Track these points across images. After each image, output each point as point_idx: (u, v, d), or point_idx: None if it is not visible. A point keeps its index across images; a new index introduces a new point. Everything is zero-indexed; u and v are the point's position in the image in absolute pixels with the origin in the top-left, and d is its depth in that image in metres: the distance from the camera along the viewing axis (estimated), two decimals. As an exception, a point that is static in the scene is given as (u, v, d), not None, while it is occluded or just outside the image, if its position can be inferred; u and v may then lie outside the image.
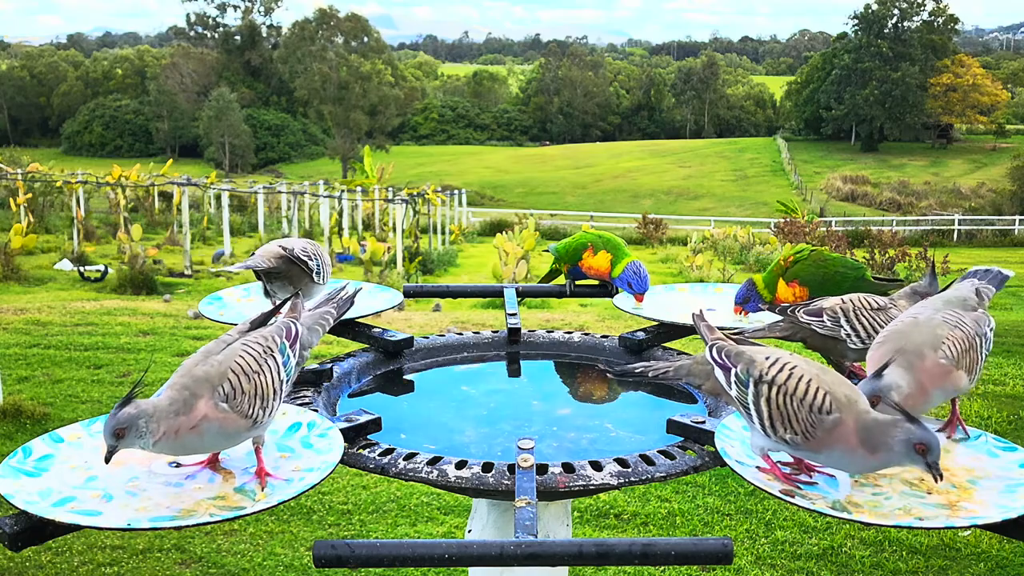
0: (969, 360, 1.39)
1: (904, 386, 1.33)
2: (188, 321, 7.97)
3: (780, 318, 1.75)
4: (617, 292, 2.29)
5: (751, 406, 1.28)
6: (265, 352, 1.35)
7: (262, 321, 1.43)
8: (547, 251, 2.46)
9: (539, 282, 2.73)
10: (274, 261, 1.85)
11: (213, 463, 1.35)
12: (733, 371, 1.32)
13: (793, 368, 1.26)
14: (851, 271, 1.95)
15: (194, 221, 18.17)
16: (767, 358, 1.30)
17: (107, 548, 3.71)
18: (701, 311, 1.50)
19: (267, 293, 1.92)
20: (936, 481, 1.18)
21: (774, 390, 1.25)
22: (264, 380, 1.32)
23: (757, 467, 1.31)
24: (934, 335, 1.38)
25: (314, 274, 1.88)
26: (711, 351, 1.38)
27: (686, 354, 1.99)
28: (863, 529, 3.83)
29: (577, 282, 2.37)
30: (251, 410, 1.30)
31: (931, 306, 1.49)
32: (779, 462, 1.33)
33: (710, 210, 46.67)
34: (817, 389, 1.23)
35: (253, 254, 1.89)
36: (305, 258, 1.86)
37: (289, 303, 1.52)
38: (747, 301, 2.02)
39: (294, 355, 1.42)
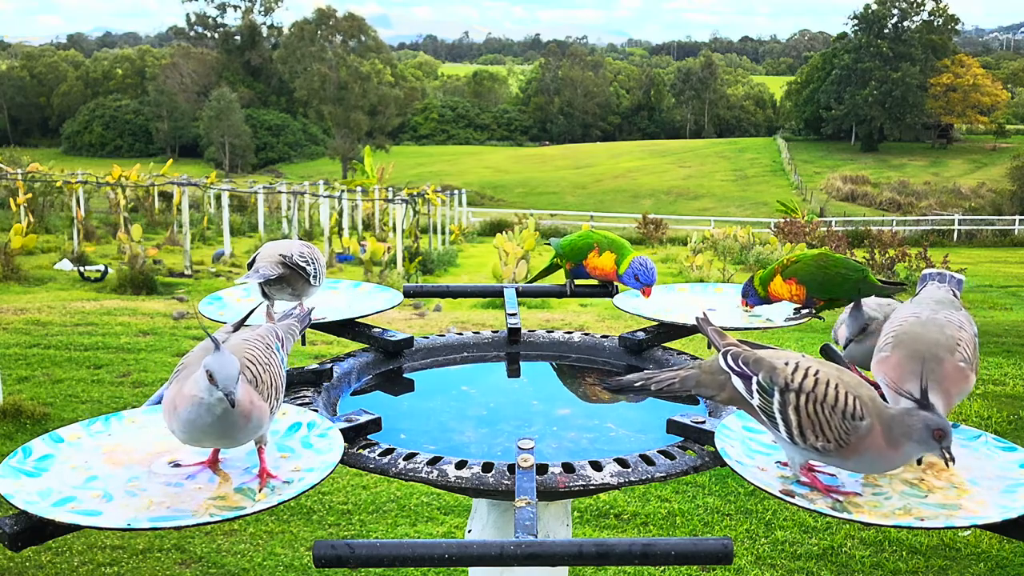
0: (976, 361, 1.38)
1: (940, 405, 1.31)
2: (188, 321, 7.97)
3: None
4: (618, 292, 2.30)
5: (777, 415, 1.24)
6: (267, 347, 1.36)
7: (238, 326, 1.44)
8: (548, 244, 2.47)
9: (537, 275, 2.73)
10: (279, 269, 1.88)
11: (213, 463, 1.35)
12: (755, 379, 1.27)
13: (817, 373, 1.23)
14: (852, 272, 1.95)
15: (194, 221, 18.17)
16: (787, 363, 1.26)
17: (107, 548, 3.71)
18: (705, 314, 1.44)
19: (265, 295, 1.94)
20: (948, 465, 1.18)
21: (803, 398, 1.21)
22: (274, 372, 1.33)
23: (799, 480, 1.28)
24: (945, 336, 1.36)
25: (311, 277, 1.91)
26: (726, 358, 1.31)
27: (687, 354, 1.99)
28: (863, 529, 3.83)
29: (577, 282, 2.37)
30: (270, 401, 1.30)
31: (926, 306, 1.46)
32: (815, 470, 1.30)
33: (710, 210, 46.66)
34: (846, 395, 1.20)
35: (253, 259, 1.91)
36: (304, 263, 1.89)
37: (264, 311, 1.53)
38: (747, 295, 2.08)
39: (285, 355, 1.43)
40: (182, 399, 1.23)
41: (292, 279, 1.90)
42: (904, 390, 1.25)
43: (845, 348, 1.75)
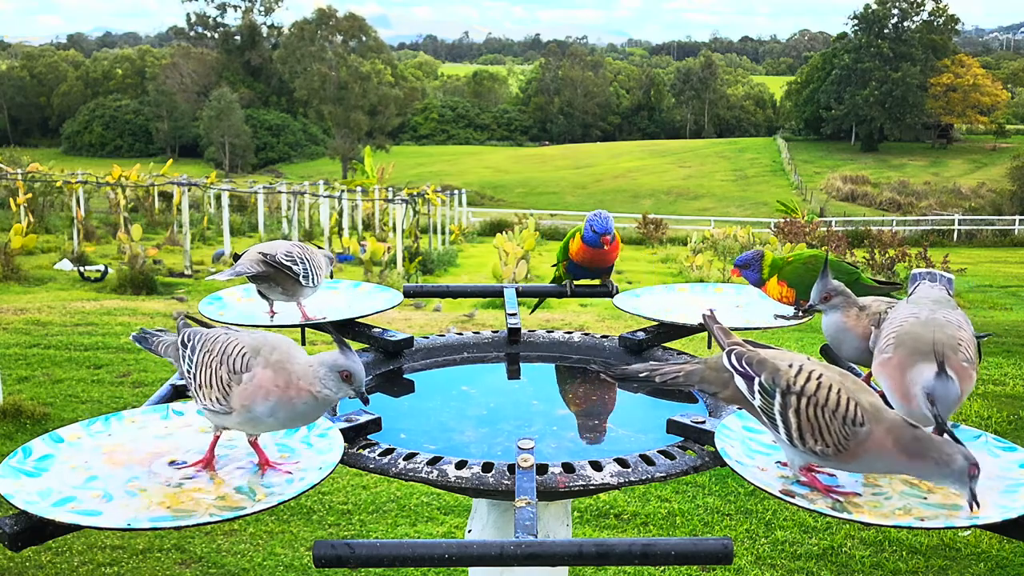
0: (976, 361, 1.37)
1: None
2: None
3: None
4: (618, 292, 2.30)
5: (777, 417, 1.24)
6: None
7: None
8: (554, 266, 2.48)
9: (536, 304, 2.74)
10: (257, 267, 1.88)
11: (210, 463, 1.35)
12: (757, 380, 1.27)
13: (820, 377, 1.23)
14: (844, 275, 1.94)
15: (194, 221, 18.17)
16: (790, 366, 1.26)
17: (107, 548, 3.71)
18: (712, 312, 1.45)
19: (261, 295, 1.96)
20: (972, 509, 1.16)
21: (803, 401, 1.22)
22: None
23: (798, 480, 1.28)
24: (947, 336, 1.35)
25: (300, 277, 1.90)
26: (730, 357, 1.32)
27: (687, 354, 1.99)
28: (863, 529, 3.83)
29: (577, 282, 2.38)
30: None
31: (925, 305, 1.45)
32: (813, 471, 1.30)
33: (710, 210, 46.66)
34: (848, 400, 1.20)
35: (237, 256, 1.93)
36: (288, 263, 1.88)
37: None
38: (747, 267, 2.05)
39: None
40: (298, 392, 1.26)
41: (279, 278, 1.90)
42: (932, 409, 1.23)
43: (796, 313, 1.73)
